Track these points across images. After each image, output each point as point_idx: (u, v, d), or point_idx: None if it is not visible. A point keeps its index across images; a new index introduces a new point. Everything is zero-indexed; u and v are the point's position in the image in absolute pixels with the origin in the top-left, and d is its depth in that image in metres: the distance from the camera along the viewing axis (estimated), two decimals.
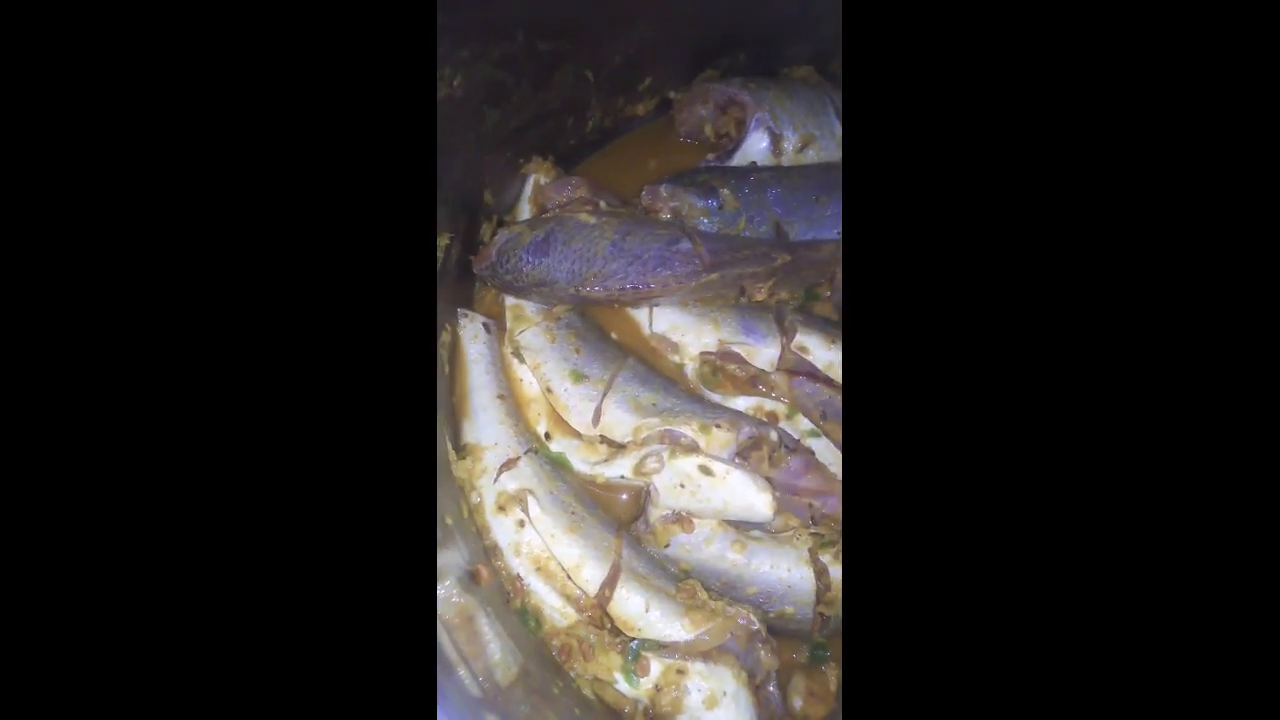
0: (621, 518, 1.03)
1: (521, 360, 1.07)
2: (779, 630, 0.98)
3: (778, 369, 1.07)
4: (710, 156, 1.27)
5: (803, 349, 1.06)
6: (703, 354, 1.07)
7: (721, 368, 1.06)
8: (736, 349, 1.06)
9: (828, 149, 1.24)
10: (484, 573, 0.91)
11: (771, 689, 0.94)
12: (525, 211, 1.17)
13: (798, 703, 0.97)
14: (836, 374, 1.06)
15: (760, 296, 1.13)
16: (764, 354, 1.06)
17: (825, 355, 1.06)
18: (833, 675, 1.00)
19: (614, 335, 1.14)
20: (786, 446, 1.03)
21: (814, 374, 1.07)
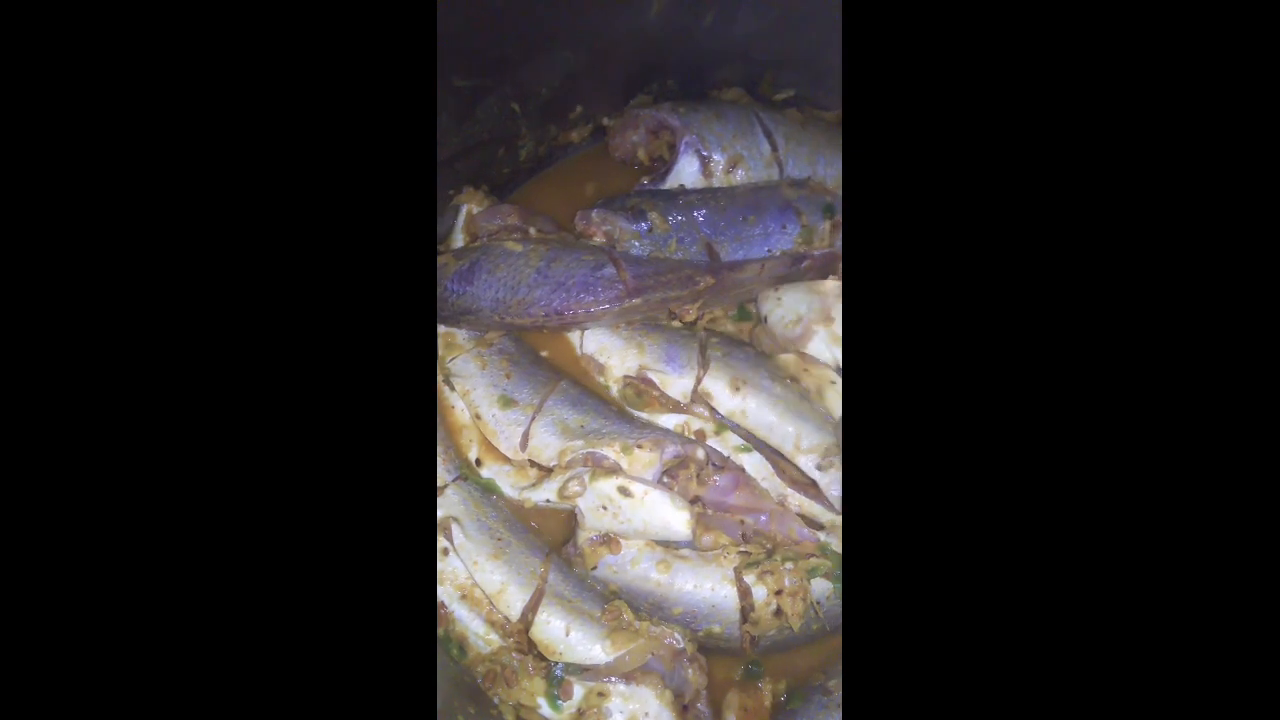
0: (554, 541, 1.04)
1: (452, 388, 1.08)
2: (711, 649, 0.99)
3: (691, 401, 1.07)
4: (645, 180, 1.30)
5: (707, 394, 1.05)
6: (625, 377, 1.08)
7: (645, 391, 1.08)
8: (654, 376, 1.07)
9: (756, 168, 1.26)
10: None
11: (701, 708, 0.95)
12: (459, 241, 1.19)
13: (731, 719, 0.98)
14: (738, 420, 1.04)
15: (690, 316, 1.15)
16: (678, 385, 1.06)
17: (728, 403, 1.04)
18: (768, 691, 1.01)
19: (548, 357, 1.15)
20: (714, 464, 1.04)
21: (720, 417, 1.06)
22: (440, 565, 0.95)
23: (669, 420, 1.07)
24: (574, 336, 1.15)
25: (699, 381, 1.05)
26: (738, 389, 1.05)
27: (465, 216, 1.19)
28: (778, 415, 1.04)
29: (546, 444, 1.02)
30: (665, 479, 1.00)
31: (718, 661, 0.99)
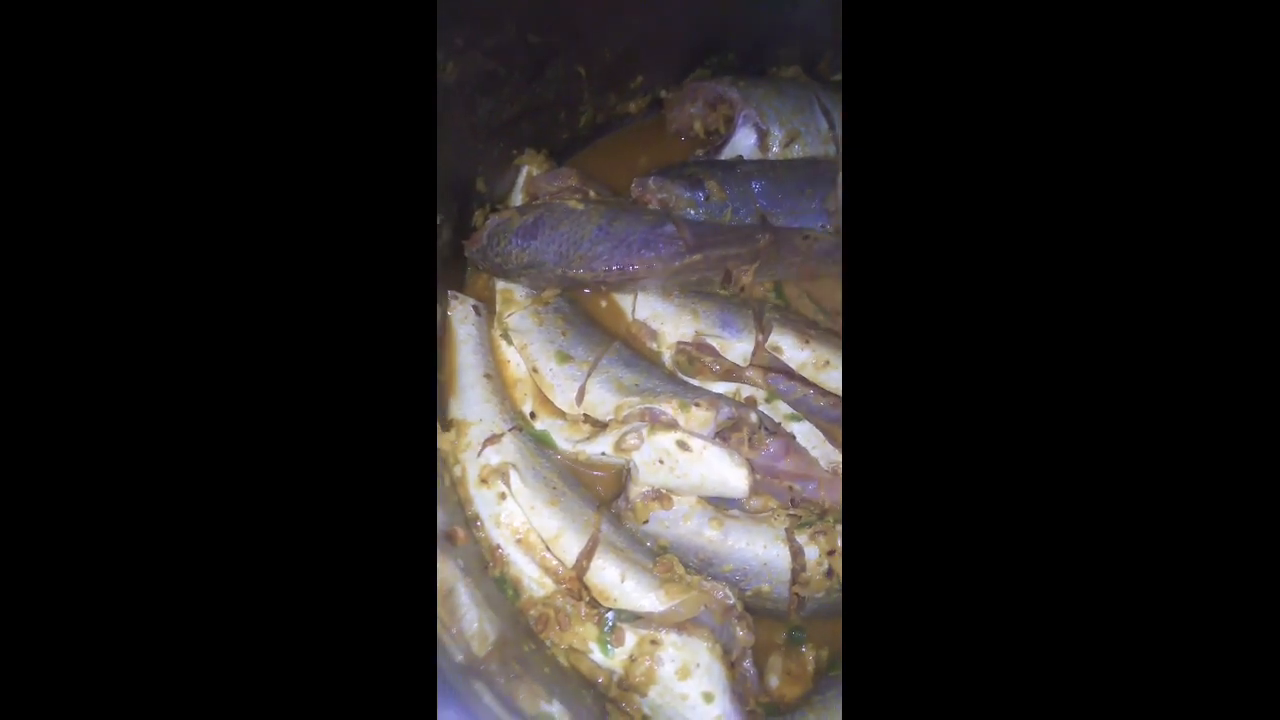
0: (604, 496, 1.05)
1: (509, 342, 1.10)
2: (757, 609, 0.99)
3: (751, 365, 1.08)
4: (699, 152, 1.31)
5: (776, 348, 1.08)
6: (679, 343, 1.09)
7: (697, 358, 1.08)
8: (712, 341, 1.08)
9: (813, 145, 1.28)
10: (459, 534, 0.93)
11: (747, 665, 0.95)
12: (518, 201, 1.21)
13: (774, 681, 0.98)
14: (809, 374, 1.08)
15: (746, 279, 1.16)
16: (738, 349, 1.08)
17: (799, 355, 1.07)
18: (811, 657, 1.01)
19: (600, 321, 1.16)
20: (766, 429, 1.04)
21: (789, 372, 1.09)
22: (497, 509, 0.96)
23: (719, 388, 1.08)
24: (625, 303, 1.16)
25: (759, 346, 1.06)
26: (807, 341, 1.06)
27: (525, 177, 1.21)
28: None
29: (602, 399, 1.03)
30: (719, 440, 1.00)
31: (761, 625, 0.99)
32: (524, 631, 0.91)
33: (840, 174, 1.17)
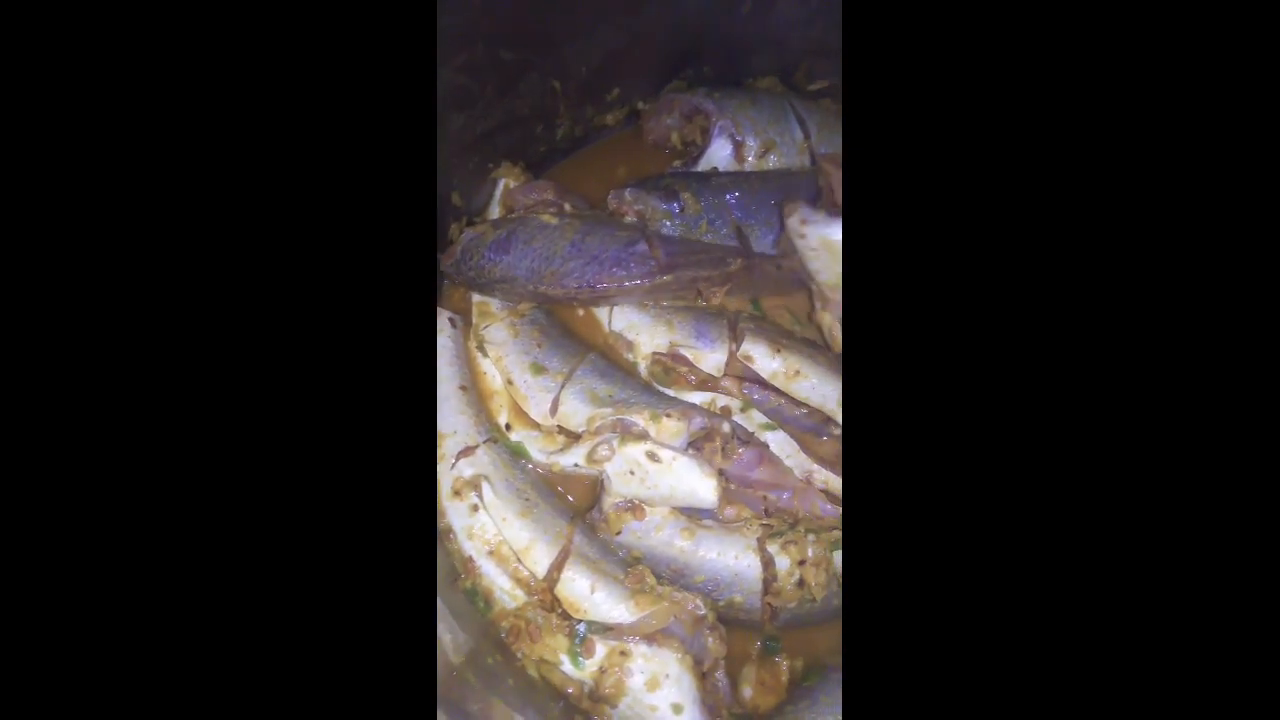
0: (580, 507, 1.05)
1: (485, 354, 1.11)
2: (730, 620, 0.99)
3: (724, 374, 1.09)
4: (676, 163, 1.32)
5: (747, 357, 1.08)
6: (654, 354, 1.10)
7: (672, 368, 1.09)
8: (685, 352, 1.09)
9: (789, 154, 1.28)
10: None
11: (719, 676, 0.95)
12: (495, 214, 1.22)
13: (748, 692, 0.98)
14: (780, 383, 1.08)
15: (717, 299, 1.17)
16: (711, 359, 1.09)
17: (770, 364, 1.08)
18: (785, 666, 1.01)
19: (577, 332, 1.17)
20: (739, 439, 1.05)
21: (761, 382, 1.09)
22: (470, 521, 0.96)
23: (695, 398, 1.09)
24: (602, 314, 1.17)
25: (732, 355, 1.07)
26: (779, 350, 1.06)
27: (502, 190, 1.22)
28: (819, 376, 1.06)
29: (576, 410, 1.04)
30: (691, 450, 1.01)
31: (736, 635, 1.00)
32: (494, 643, 0.91)
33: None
